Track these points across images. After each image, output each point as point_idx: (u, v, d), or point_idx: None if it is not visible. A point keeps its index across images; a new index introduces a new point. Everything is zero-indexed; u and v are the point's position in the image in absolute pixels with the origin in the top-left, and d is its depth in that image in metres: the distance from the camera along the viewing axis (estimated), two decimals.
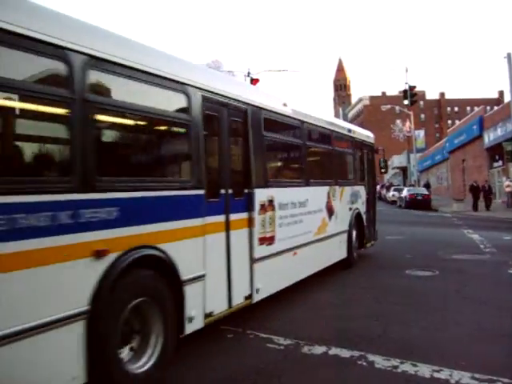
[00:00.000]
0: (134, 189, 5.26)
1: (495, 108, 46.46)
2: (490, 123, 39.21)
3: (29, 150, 4.53)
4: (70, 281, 4.40)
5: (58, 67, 4.48)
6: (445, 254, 14.43)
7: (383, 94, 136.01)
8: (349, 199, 12.54)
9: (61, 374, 4.35)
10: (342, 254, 12.04)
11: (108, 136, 5.59)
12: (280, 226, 8.53)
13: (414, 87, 32.53)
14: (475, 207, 34.92)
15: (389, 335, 6.93)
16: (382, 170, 16.71)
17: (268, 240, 8.13)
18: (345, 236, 12.19)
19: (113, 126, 5.50)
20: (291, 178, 10.01)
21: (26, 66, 4.32)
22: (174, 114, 6.21)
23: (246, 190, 7.58)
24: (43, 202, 4.19)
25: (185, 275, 5.84)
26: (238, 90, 7.79)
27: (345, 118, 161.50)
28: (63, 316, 4.28)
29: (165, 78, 5.89)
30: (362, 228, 13.45)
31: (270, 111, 8.55)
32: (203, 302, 6.27)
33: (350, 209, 12.63)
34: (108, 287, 4.71)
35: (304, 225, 9.64)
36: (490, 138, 39.35)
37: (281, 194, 8.66)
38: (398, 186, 58.85)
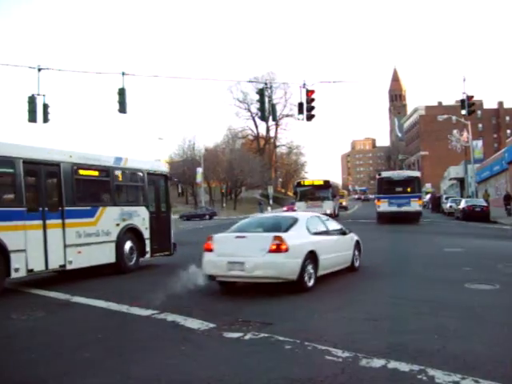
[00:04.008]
0: None
1: None
2: None
3: None
4: None
5: None
6: (505, 267, 14.06)
7: (439, 103, 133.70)
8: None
9: None
10: None
11: None
12: None
13: (472, 97, 31.93)
14: None
15: (449, 350, 6.80)
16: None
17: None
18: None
19: None
20: None
21: None
22: None
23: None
24: None
25: None
26: None
27: (400, 129, 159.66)
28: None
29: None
30: None
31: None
32: None
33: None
34: None
35: None
36: None
37: None
38: (454, 197, 57.58)
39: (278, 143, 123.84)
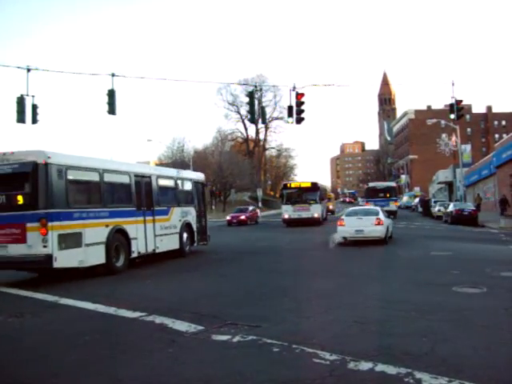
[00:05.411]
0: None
1: None
2: None
3: None
4: None
5: None
6: (493, 271, 14.14)
7: (428, 107, 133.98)
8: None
9: None
10: None
11: None
12: None
13: (461, 101, 32.02)
14: None
15: (436, 353, 6.83)
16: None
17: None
18: None
19: None
20: None
21: None
22: None
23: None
24: None
25: None
26: None
27: (389, 132, 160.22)
28: None
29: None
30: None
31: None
32: None
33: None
34: None
35: None
36: None
37: None
38: (443, 201, 57.78)
39: (267, 146, 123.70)
